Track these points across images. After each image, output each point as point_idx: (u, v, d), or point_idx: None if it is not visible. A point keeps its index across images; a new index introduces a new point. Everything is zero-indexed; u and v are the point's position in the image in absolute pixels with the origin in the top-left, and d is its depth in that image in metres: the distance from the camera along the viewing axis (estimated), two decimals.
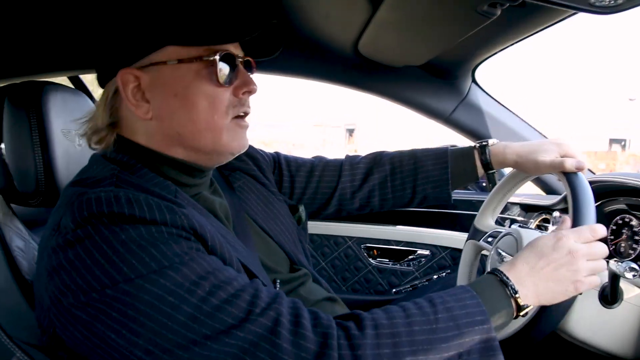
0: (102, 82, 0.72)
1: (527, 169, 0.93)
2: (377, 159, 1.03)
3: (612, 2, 0.63)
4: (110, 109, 0.71)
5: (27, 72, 1.18)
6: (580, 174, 0.82)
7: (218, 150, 0.71)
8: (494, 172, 0.98)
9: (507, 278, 0.66)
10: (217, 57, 0.67)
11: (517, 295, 0.65)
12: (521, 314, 0.66)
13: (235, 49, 0.72)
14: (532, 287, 0.66)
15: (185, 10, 0.68)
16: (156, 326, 0.53)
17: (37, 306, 0.64)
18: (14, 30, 1.06)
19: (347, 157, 1.05)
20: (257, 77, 0.79)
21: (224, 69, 0.68)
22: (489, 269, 0.91)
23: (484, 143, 0.97)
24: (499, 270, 0.68)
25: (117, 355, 0.54)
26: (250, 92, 0.73)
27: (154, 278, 0.54)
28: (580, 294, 0.71)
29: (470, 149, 0.98)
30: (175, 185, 0.69)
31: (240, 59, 0.72)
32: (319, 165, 1.03)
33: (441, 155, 0.99)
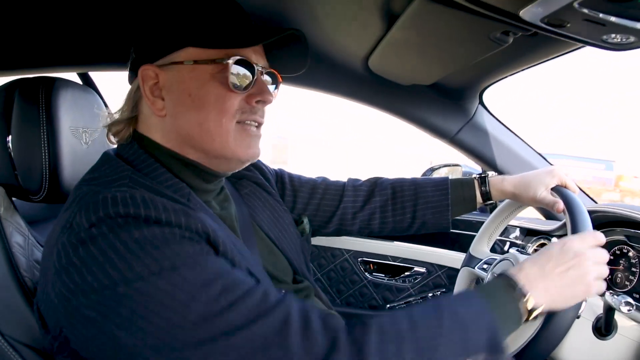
0: (130, 78, 0.75)
1: (523, 201, 0.99)
2: (378, 183, 1.05)
3: (624, 39, 0.64)
4: (133, 104, 0.73)
5: (38, 65, 1.18)
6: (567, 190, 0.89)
7: (225, 155, 0.72)
8: (493, 203, 1.01)
9: (516, 281, 0.66)
10: (230, 61, 0.69)
11: (526, 299, 0.64)
12: (532, 316, 0.65)
13: (256, 58, 0.73)
14: (543, 290, 0.66)
15: (206, 14, 0.70)
16: (166, 325, 0.52)
17: (40, 306, 0.63)
18: (27, 23, 1.06)
19: (350, 179, 1.07)
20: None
21: (238, 73, 0.70)
22: None
23: (483, 175, 1.01)
24: (507, 273, 0.68)
25: (124, 355, 0.53)
26: (265, 101, 0.74)
27: (167, 275, 0.54)
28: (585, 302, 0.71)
29: (471, 179, 1.02)
30: (189, 188, 0.70)
31: (260, 68, 0.73)
32: (322, 184, 1.04)
33: (441, 183, 1.02)
